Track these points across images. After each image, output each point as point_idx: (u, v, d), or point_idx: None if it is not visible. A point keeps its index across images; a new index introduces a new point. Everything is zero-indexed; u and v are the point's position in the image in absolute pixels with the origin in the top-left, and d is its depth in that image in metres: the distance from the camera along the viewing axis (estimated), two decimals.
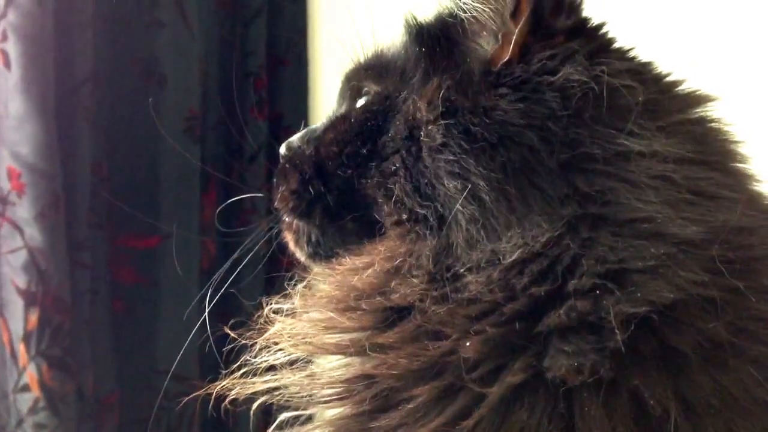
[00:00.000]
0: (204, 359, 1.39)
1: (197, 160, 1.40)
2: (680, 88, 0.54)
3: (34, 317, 1.18)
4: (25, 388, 1.17)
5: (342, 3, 1.52)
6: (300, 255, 0.63)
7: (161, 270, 1.39)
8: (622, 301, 0.43)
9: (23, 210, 1.18)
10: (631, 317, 0.43)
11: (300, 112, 1.56)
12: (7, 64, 1.18)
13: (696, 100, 0.53)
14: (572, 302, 0.44)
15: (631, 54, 0.54)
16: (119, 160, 1.36)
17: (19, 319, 1.17)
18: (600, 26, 0.54)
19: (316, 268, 0.61)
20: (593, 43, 0.53)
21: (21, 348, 1.18)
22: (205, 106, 1.44)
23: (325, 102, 1.55)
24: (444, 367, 0.46)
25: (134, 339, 1.36)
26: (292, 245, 0.64)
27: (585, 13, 0.54)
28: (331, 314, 0.51)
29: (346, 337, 0.50)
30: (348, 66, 0.65)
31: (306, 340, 0.52)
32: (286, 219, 0.63)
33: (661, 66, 0.55)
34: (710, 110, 0.53)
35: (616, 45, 0.54)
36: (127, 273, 1.37)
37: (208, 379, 0.56)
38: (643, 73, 0.53)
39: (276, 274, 0.74)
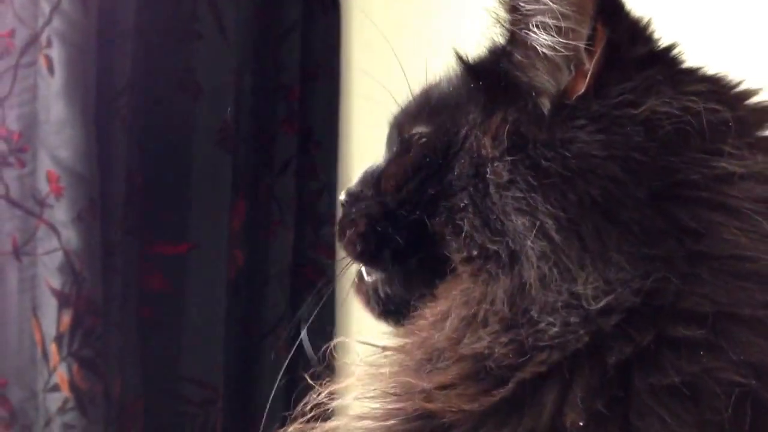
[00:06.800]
0: (228, 367, 1.40)
1: (229, 170, 1.42)
2: (753, 99, 0.52)
3: (67, 318, 1.19)
4: (55, 388, 1.18)
5: (376, 20, 1.54)
6: (372, 314, 0.63)
7: (189, 278, 1.40)
8: (726, 366, 0.41)
9: (61, 212, 1.20)
10: (734, 385, 0.41)
11: (330, 127, 1.58)
12: (51, 70, 1.20)
13: None
14: (667, 360, 0.42)
15: (703, 71, 0.53)
16: (153, 167, 1.38)
17: (52, 319, 1.19)
18: (671, 47, 0.53)
19: (389, 327, 0.61)
20: (672, 68, 0.51)
21: (53, 348, 1.19)
22: (238, 118, 1.46)
23: (355, 117, 1.57)
24: (511, 411, 0.45)
25: (160, 345, 1.37)
26: (363, 305, 0.64)
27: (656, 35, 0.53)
28: (410, 379, 0.49)
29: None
30: (394, 110, 0.65)
31: (382, 391, 0.50)
32: (354, 266, 0.63)
33: None
34: None
35: (687, 65, 0.53)
36: (156, 279, 1.38)
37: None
38: (721, 91, 0.51)
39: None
